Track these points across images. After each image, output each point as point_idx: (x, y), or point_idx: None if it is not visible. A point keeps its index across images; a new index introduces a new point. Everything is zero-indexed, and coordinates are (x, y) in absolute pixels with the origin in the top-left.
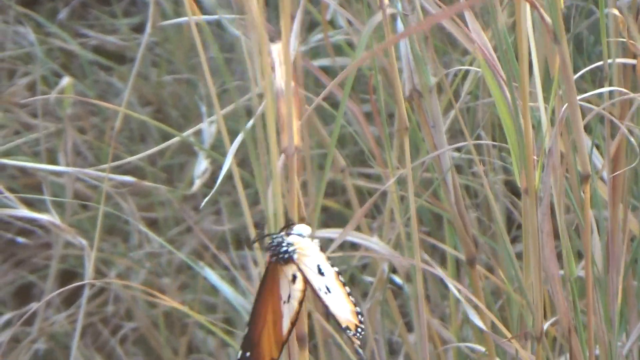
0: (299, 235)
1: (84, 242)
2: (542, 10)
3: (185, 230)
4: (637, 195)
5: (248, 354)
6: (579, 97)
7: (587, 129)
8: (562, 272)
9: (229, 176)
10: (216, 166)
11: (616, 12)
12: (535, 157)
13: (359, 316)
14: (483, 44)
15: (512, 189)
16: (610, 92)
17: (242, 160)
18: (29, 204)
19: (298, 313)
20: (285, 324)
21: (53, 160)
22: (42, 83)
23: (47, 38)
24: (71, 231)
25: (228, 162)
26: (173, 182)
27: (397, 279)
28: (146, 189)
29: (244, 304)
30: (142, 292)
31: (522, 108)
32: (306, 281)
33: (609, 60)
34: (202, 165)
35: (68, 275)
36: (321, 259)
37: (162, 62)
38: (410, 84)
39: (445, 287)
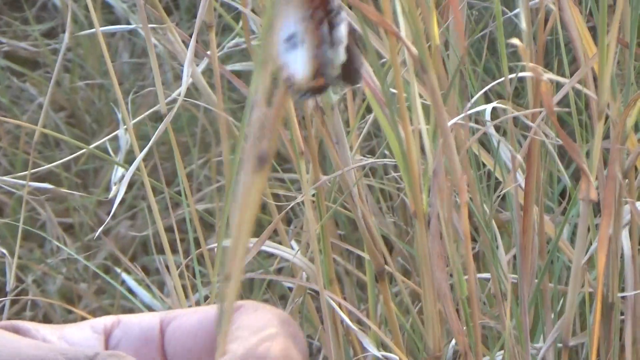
0: None
1: (4, 251)
2: (407, 43)
3: (100, 236)
4: (552, 197)
5: None
6: (459, 117)
7: (500, 130)
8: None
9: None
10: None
11: (517, 41)
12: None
13: None
14: (368, 75)
15: None
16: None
17: (155, 165)
18: None
19: None
20: None
21: None
22: None
23: None
24: None
25: (134, 167)
26: (88, 187)
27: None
28: (62, 195)
29: (160, 309)
30: (59, 298)
31: (405, 133)
32: None
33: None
34: (118, 171)
35: None
36: None
37: (75, 68)
38: (313, 102)
39: (364, 290)
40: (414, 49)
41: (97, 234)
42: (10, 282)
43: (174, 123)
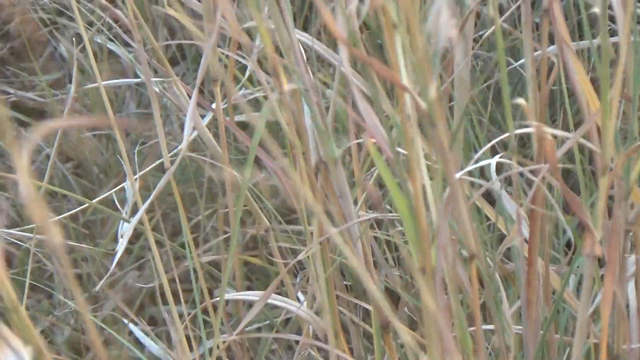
0: None
1: None
2: (416, 96)
3: (108, 286)
4: (558, 248)
5: None
6: (469, 168)
7: (504, 180)
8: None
9: (154, 230)
10: (140, 223)
11: (522, 101)
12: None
13: None
14: (373, 126)
15: None
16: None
17: (165, 214)
18: None
19: None
20: None
21: None
22: None
23: None
24: None
25: (135, 220)
26: (95, 238)
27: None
28: (69, 246)
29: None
30: (67, 349)
31: (414, 189)
32: None
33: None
34: (124, 225)
35: None
36: None
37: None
38: (317, 155)
39: (370, 341)
40: (422, 103)
41: (101, 285)
42: None
43: (180, 174)
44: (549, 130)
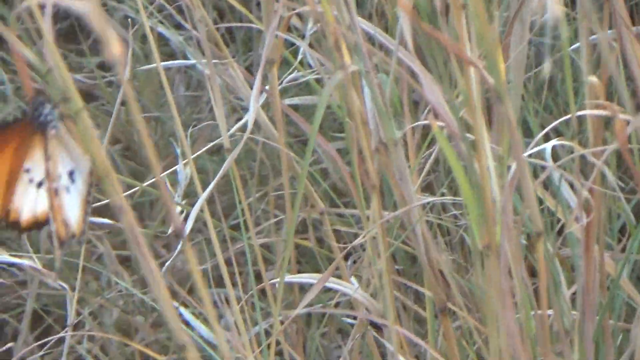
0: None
1: (65, 285)
2: (484, 71)
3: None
4: (612, 235)
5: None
6: (527, 153)
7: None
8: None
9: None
10: (191, 204)
11: (594, 79)
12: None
13: (84, 225)
14: (438, 103)
15: None
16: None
17: (212, 198)
18: (2, 244)
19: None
20: (36, 205)
21: None
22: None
23: (15, 77)
24: (53, 276)
25: (197, 207)
26: (144, 219)
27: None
28: (118, 228)
29: (218, 343)
30: (116, 331)
31: (480, 166)
32: (48, 165)
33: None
34: (177, 209)
35: (38, 312)
36: (80, 169)
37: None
38: (377, 137)
39: (421, 325)
40: (490, 78)
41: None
42: (71, 317)
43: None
44: (618, 110)
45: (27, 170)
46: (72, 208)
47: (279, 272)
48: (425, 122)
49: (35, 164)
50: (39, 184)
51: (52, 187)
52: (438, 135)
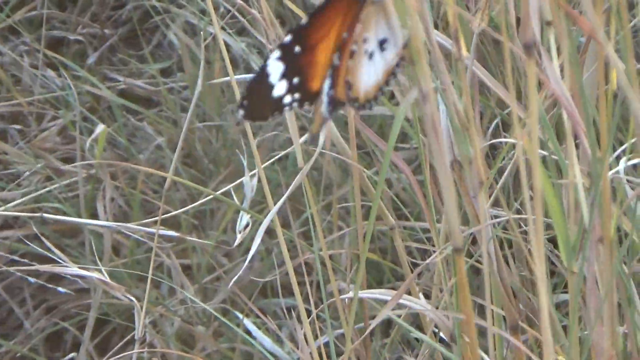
0: None
1: (133, 298)
2: (616, 59)
3: (217, 278)
4: None
5: (298, 48)
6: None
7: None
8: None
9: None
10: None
11: None
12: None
13: (379, 92)
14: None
15: (555, 244)
16: None
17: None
18: (63, 250)
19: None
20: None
21: (88, 206)
22: (71, 128)
23: (76, 82)
24: (120, 288)
25: (268, 219)
26: (205, 229)
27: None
28: (181, 238)
29: (281, 354)
30: (177, 341)
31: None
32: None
33: None
34: (244, 220)
35: (99, 320)
36: (394, 37)
37: (195, 109)
38: (451, 155)
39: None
40: (621, 65)
41: (212, 277)
42: (139, 330)
43: (293, 165)
44: None
45: (365, 41)
46: (370, 74)
47: (348, 285)
48: (508, 139)
49: (371, 34)
50: (371, 55)
51: (351, 48)
52: (529, 152)
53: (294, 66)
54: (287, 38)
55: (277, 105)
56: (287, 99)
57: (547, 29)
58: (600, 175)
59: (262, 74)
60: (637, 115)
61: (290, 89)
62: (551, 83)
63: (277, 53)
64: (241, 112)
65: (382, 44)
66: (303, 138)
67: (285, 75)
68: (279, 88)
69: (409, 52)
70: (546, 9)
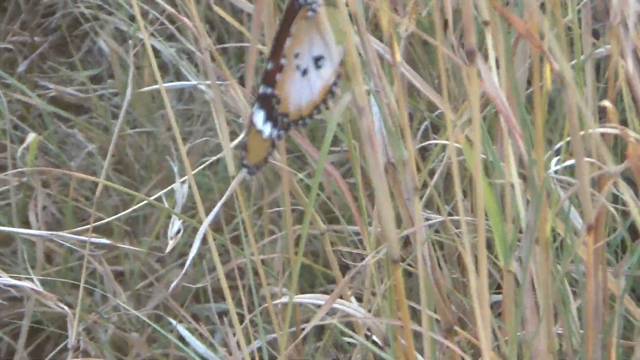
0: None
1: (66, 307)
2: (552, 58)
3: (150, 284)
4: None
5: (270, 89)
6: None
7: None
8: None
9: (194, 230)
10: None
11: (608, 104)
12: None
13: (315, 111)
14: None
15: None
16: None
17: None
18: None
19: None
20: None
21: (20, 214)
22: (2, 136)
23: (5, 90)
24: (52, 297)
25: (204, 227)
26: (137, 235)
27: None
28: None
29: (214, 359)
30: (111, 347)
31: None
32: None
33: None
34: (175, 225)
35: (33, 328)
36: (330, 54)
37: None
38: (385, 157)
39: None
40: (556, 65)
41: (144, 283)
42: (72, 338)
43: (224, 170)
44: (632, 134)
45: (297, 56)
46: (303, 91)
47: (280, 289)
48: (443, 141)
49: (303, 49)
50: (304, 72)
51: (280, 63)
52: (467, 152)
53: (271, 105)
54: (261, 89)
55: (270, 143)
56: (274, 133)
57: (485, 30)
58: (535, 177)
59: (251, 125)
60: (573, 112)
61: (275, 125)
62: (487, 85)
63: (257, 104)
64: (245, 170)
65: (317, 60)
66: (234, 143)
67: (268, 119)
68: (266, 130)
69: (344, 68)
70: (483, 9)
